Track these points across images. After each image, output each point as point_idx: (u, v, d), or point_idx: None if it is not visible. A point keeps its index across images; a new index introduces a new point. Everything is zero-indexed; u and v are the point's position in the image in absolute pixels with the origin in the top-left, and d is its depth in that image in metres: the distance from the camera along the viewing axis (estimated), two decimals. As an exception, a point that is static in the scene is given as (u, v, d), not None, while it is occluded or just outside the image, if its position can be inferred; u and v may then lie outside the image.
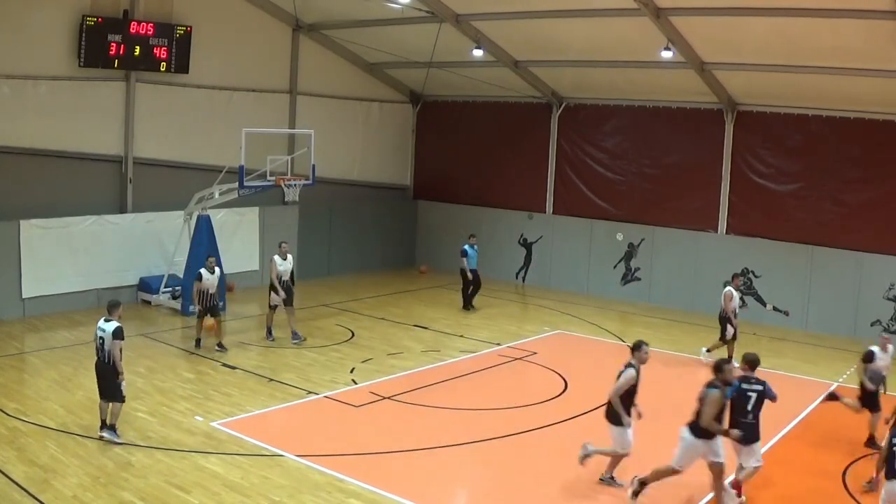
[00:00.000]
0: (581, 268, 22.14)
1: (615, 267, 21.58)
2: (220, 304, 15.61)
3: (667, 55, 16.93)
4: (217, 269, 15.30)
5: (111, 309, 10.56)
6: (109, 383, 10.44)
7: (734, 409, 9.21)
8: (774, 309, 19.00)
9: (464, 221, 24.01)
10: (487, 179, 23.84)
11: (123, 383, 10.51)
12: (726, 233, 19.99)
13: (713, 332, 17.98)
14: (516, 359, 15.52)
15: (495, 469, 10.48)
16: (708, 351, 15.38)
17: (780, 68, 17.04)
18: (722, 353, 14.88)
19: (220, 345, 15.01)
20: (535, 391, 13.53)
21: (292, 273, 16.08)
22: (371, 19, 19.84)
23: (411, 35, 20.11)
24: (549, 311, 19.72)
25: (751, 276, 19.37)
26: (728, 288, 15.33)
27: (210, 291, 15.00)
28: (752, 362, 9.52)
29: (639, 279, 21.24)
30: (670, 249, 20.64)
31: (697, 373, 14.94)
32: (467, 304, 19.47)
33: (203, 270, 15.07)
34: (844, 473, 10.13)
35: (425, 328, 17.55)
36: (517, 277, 23.15)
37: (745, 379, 9.39)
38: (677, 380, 14.69)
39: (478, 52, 19.27)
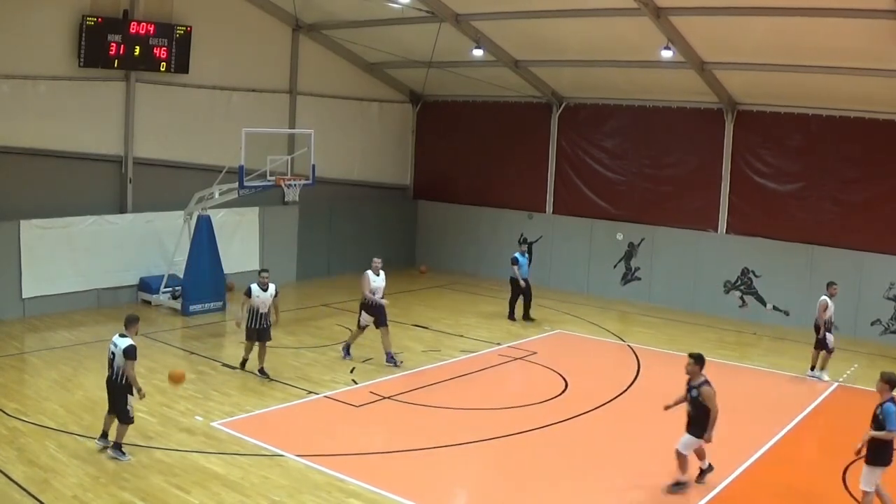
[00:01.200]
0: (581, 268, 22.12)
1: (615, 267, 21.57)
2: (268, 325, 13.69)
3: (667, 55, 16.92)
4: (271, 287, 13.59)
5: (128, 324, 10.07)
6: (116, 400, 10.07)
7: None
8: (774, 308, 19.00)
9: (464, 221, 24.05)
10: (487, 179, 23.84)
11: (132, 405, 10.04)
12: (726, 233, 19.97)
13: (713, 332, 18.07)
14: (516, 359, 15.52)
15: (495, 469, 10.47)
16: (821, 369, 14.53)
17: (779, 68, 17.03)
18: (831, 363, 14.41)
19: (261, 370, 13.56)
20: (536, 391, 13.51)
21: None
22: (371, 19, 19.83)
23: (411, 35, 20.10)
24: (549, 310, 19.69)
25: (751, 275, 19.37)
26: (823, 297, 14.59)
27: (261, 311, 13.45)
28: (892, 381, 8.84)
29: (639, 279, 21.24)
30: (670, 249, 20.63)
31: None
32: (521, 315, 18.43)
33: (254, 286, 13.57)
34: (845, 473, 10.11)
35: (425, 328, 17.54)
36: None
37: (893, 400, 8.60)
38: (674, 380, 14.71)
39: (478, 52, 19.26)
